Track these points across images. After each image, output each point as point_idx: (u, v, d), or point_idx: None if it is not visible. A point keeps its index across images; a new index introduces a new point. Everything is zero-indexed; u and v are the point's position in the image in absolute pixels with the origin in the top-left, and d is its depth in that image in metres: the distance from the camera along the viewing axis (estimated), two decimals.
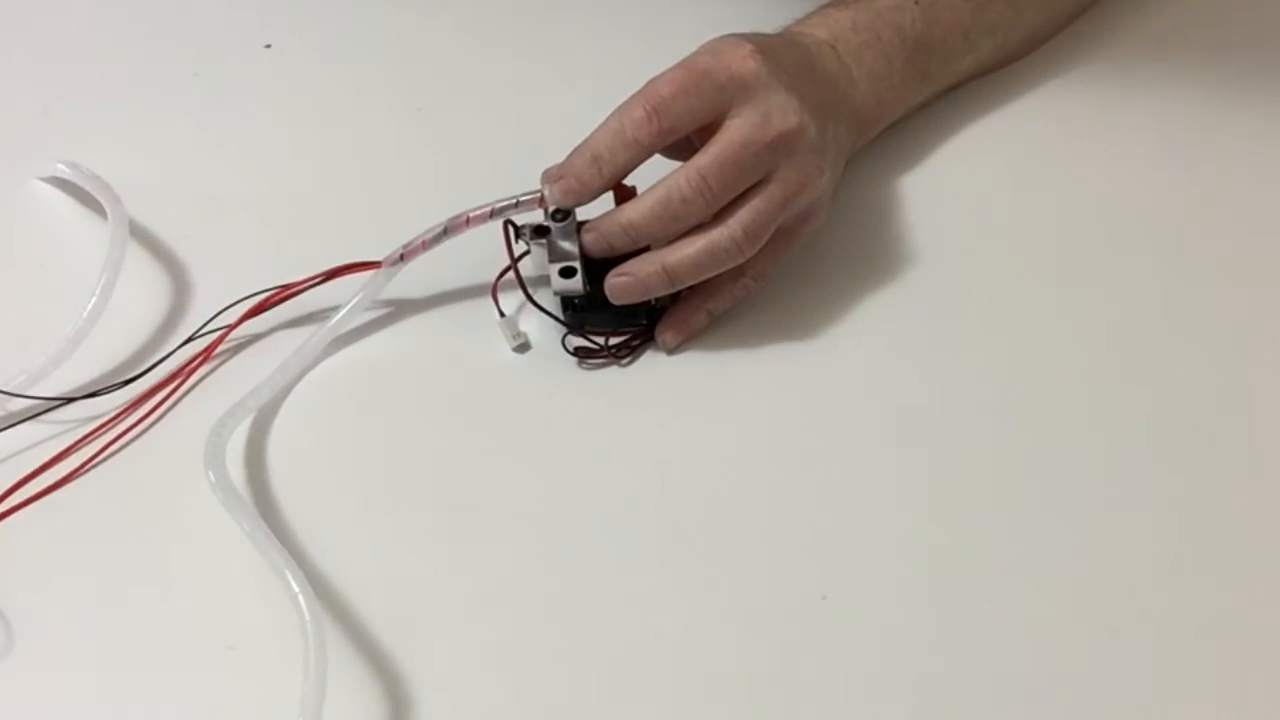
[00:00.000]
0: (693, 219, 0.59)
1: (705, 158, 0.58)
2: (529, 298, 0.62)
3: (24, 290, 0.67)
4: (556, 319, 0.62)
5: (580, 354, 0.61)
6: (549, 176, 0.60)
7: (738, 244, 0.59)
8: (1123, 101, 0.71)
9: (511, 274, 0.62)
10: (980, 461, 0.57)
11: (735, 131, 0.58)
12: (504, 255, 0.62)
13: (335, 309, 0.62)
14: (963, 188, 0.68)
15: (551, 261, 0.60)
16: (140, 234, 0.65)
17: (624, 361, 0.62)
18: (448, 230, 0.61)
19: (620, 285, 0.60)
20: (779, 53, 0.62)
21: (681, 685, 0.51)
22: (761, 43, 0.61)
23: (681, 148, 0.61)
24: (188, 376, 0.61)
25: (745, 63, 0.60)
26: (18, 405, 0.61)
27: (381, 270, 0.62)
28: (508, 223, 0.61)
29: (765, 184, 0.59)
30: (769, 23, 0.66)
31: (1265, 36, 0.75)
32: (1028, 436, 0.57)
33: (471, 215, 0.61)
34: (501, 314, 0.62)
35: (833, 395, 0.59)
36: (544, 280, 0.61)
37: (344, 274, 0.62)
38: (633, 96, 0.59)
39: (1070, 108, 0.71)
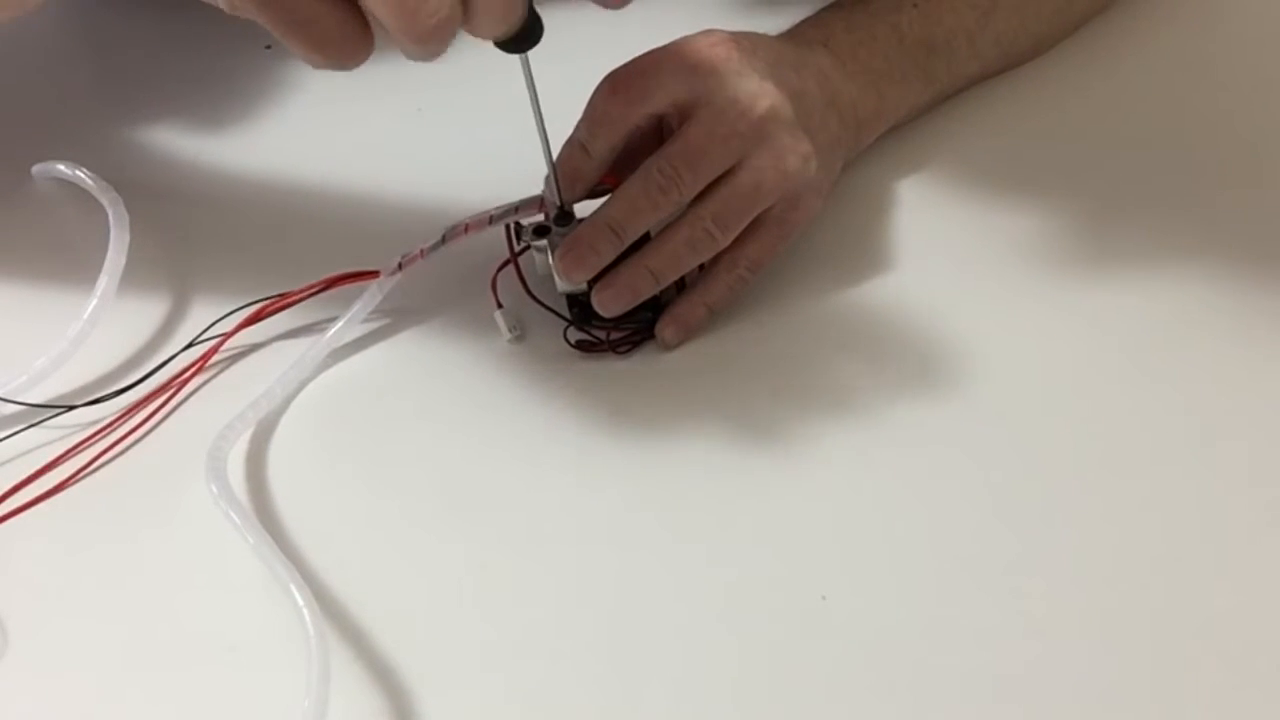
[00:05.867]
0: (669, 207, 0.59)
1: (672, 145, 0.58)
2: (528, 291, 0.62)
3: (24, 291, 0.67)
4: (556, 313, 0.62)
5: (581, 347, 0.62)
6: (548, 178, 0.60)
7: (709, 233, 0.59)
8: (1126, 107, 0.71)
9: (511, 267, 0.62)
10: (980, 461, 0.57)
11: (703, 118, 0.58)
12: (503, 256, 0.62)
13: (333, 320, 0.62)
14: (965, 191, 0.68)
15: (557, 259, 0.60)
16: (140, 235, 0.65)
17: (622, 349, 0.62)
18: (446, 239, 0.62)
19: (609, 296, 0.60)
20: (758, 45, 0.62)
21: (681, 685, 0.51)
22: (739, 34, 0.61)
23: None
24: (184, 384, 0.61)
25: (716, 48, 0.60)
26: (18, 408, 0.61)
27: (379, 281, 0.62)
28: (512, 222, 0.61)
29: (736, 170, 0.59)
30: (766, 29, 0.66)
31: (1267, 43, 0.75)
32: (1027, 437, 0.57)
33: (470, 223, 0.61)
34: (500, 304, 0.63)
35: (831, 394, 0.59)
36: (549, 280, 0.61)
37: (341, 284, 0.62)
38: (602, 79, 0.59)
39: (1073, 111, 0.71)
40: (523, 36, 0.53)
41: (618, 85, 0.59)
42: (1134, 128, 0.70)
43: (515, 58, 0.55)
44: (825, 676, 0.50)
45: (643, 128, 0.60)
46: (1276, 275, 0.63)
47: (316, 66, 0.50)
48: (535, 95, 0.57)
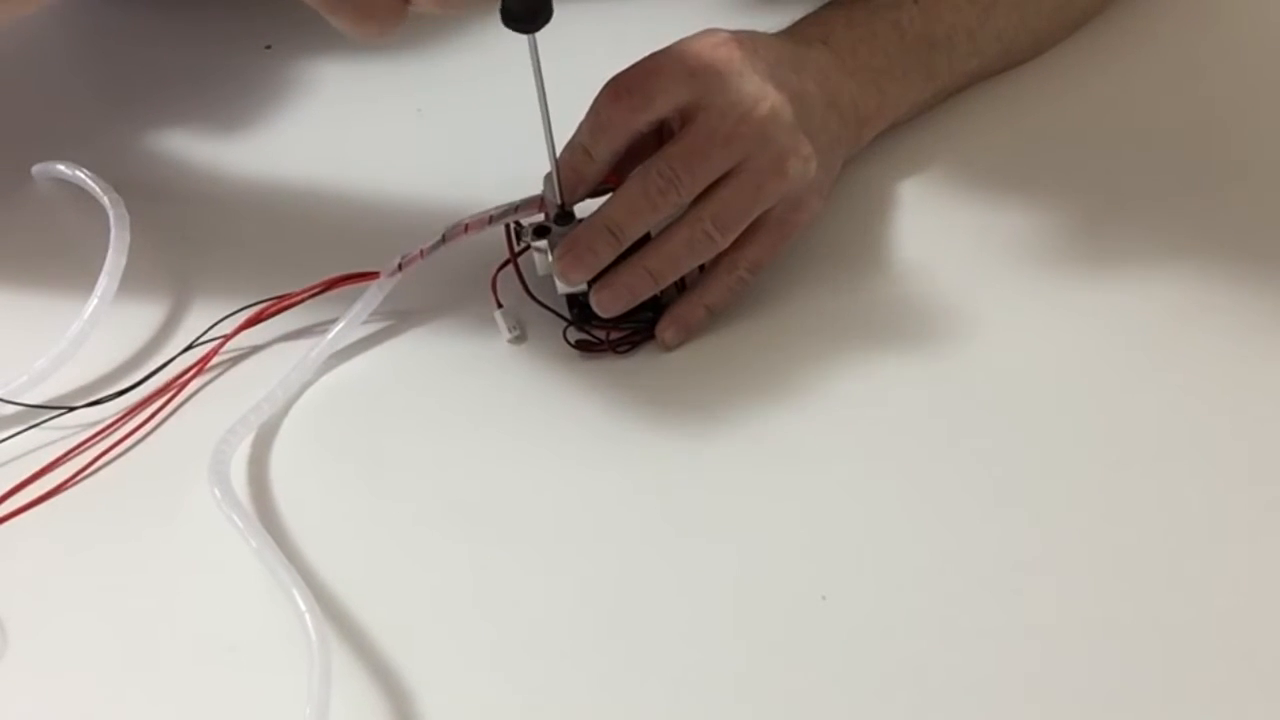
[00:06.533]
0: (668, 209, 0.59)
1: (673, 147, 0.58)
2: (528, 291, 0.62)
3: (24, 292, 0.67)
4: (556, 312, 0.62)
5: (581, 347, 0.62)
6: (547, 177, 0.60)
7: (709, 235, 0.59)
8: (1126, 107, 0.71)
9: (511, 267, 0.62)
10: (980, 461, 0.57)
11: (703, 121, 0.58)
12: (503, 256, 0.62)
13: (333, 321, 0.62)
14: (965, 190, 0.68)
15: (555, 260, 0.60)
16: (140, 236, 0.65)
17: (622, 349, 0.62)
18: (445, 239, 0.61)
19: (607, 297, 0.60)
20: (759, 44, 0.62)
21: (682, 685, 0.51)
22: (740, 34, 0.61)
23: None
24: (184, 386, 0.61)
25: (718, 50, 0.60)
26: (18, 409, 0.61)
27: (378, 282, 0.62)
28: (512, 222, 0.61)
29: (736, 172, 0.59)
30: (766, 27, 0.66)
31: (1266, 43, 0.75)
32: (1028, 436, 0.57)
33: (470, 223, 0.61)
34: (500, 304, 0.63)
35: (832, 394, 0.59)
36: (549, 280, 0.61)
37: (341, 285, 0.62)
38: (606, 83, 0.59)
39: (1073, 111, 0.71)
40: (532, 14, 0.52)
41: (621, 91, 0.59)
42: (1134, 127, 0.70)
43: (514, 57, 0.55)
44: (825, 677, 0.51)
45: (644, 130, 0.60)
46: (1276, 274, 0.63)
47: (363, 39, 0.53)
48: (541, 81, 0.57)
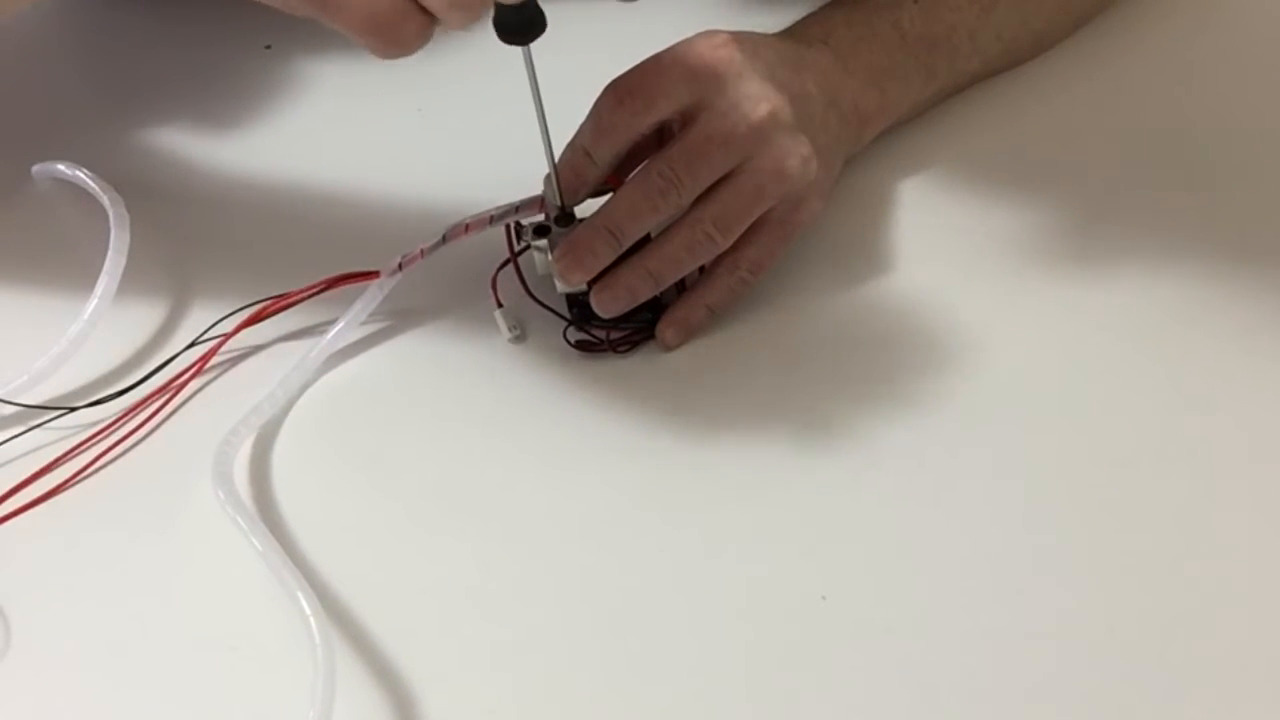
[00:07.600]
0: (669, 210, 0.59)
1: (673, 148, 0.58)
2: (528, 291, 0.62)
3: (24, 292, 0.67)
4: (556, 312, 0.62)
5: (581, 347, 0.62)
6: (547, 178, 0.60)
7: (710, 236, 0.59)
8: (1126, 107, 0.71)
9: (511, 267, 0.62)
10: (981, 460, 0.57)
11: (704, 124, 0.58)
12: (503, 256, 0.62)
13: (333, 320, 0.62)
14: (965, 191, 0.68)
15: (555, 261, 0.60)
16: (140, 235, 0.65)
17: (622, 349, 0.62)
18: (446, 238, 0.62)
19: (607, 298, 0.60)
20: (759, 45, 0.62)
21: (683, 684, 0.51)
22: (740, 34, 0.61)
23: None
24: (184, 385, 0.61)
25: (717, 51, 0.60)
26: (18, 409, 0.61)
27: (379, 281, 0.62)
28: (512, 222, 0.61)
29: (736, 173, 0.59)
30: (766, 27, 0.66)
31: (1267, 43, 0.75)
32: (1028, 436, 0.57)
33: (470, 223, 0.61)
34: (500, 304, 0.63)
35: (832, 394, 0.59)
36: (549, 280, 0.61)
37: (342, 284, 0.62)
38: (606, 86, 0.59)
39: (1073, 111, 0.71)
40: (525, 27, 0.52)
41: (622, 94, 0.59)
42: (1134, 127, 0.70)
43: (516, 56, 0.55)
44: (826, 677, 0.51)
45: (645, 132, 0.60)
46: (1276, 274, 0.63)
47: (383, 56, 0.53)
48: (537, 90, 0.57)
